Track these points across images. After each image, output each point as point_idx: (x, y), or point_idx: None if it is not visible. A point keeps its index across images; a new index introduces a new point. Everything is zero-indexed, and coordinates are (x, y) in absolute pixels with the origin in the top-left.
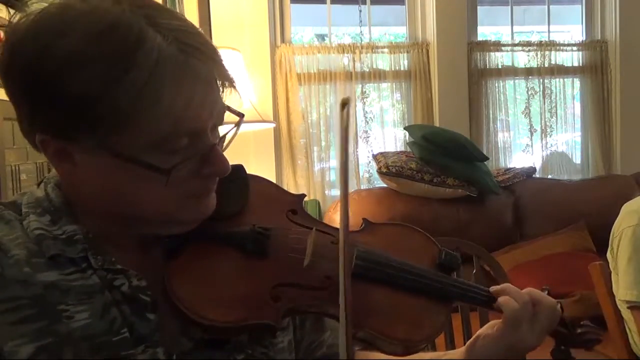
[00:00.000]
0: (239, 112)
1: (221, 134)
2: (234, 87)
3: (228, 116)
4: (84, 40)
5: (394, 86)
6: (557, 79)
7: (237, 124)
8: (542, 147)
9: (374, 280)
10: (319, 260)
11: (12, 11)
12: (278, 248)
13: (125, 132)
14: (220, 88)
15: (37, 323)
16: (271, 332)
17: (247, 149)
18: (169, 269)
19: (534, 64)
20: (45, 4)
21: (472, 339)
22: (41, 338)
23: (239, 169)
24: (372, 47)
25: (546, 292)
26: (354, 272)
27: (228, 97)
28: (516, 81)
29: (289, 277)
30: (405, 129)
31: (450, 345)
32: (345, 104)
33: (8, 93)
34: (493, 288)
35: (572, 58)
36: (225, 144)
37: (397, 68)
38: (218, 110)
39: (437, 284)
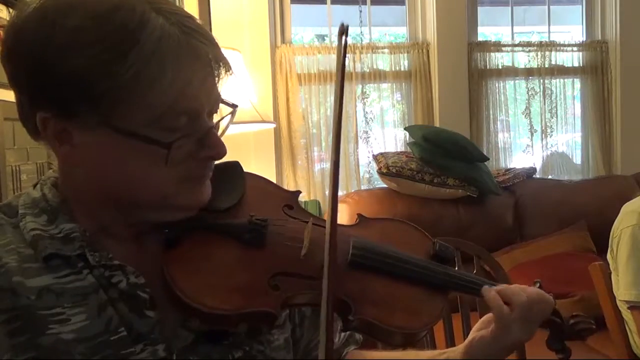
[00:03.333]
0: (232, 103)
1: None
2: (231, 70)
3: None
4: (89, 19)
5: (394, 86)
6: (558, 80)
7: (231, 114)
8: (542, 147)
9: (371, 269)
10: (316, 251)
11: (12, 11)
12: (275, 238)
13: (127, 108)
14: (217, 77)
15: (21, 336)
16: (270, 322)
17: (248, 149)
18: (168, 258)
19: (534, 64)
20: None
21: (469, 338)
22: (25, 352)
23: (235, 164)
24: (372, 48)
25: (538, 285)
26: (351, 261)
27: (222, 92)
28: (516, 81)
29: (287, 267)
30: (405, 129)
31: (451, 344)
32: (342, 32)
33: (10, 75)
34: (488, 289)
35: (572, 58)
36: (219, 133)
37: (397, 68)
38: (215, 96)
39: (433, 272)
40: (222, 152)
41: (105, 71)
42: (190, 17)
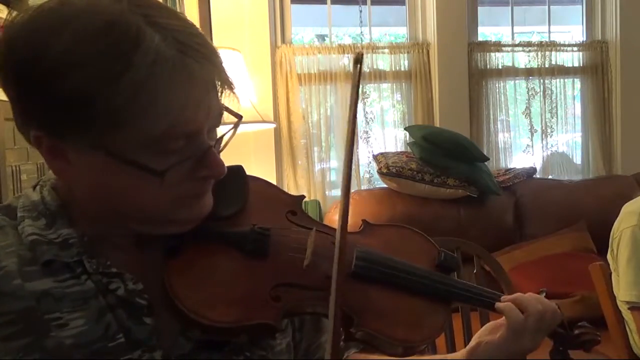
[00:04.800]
0: (237, 114)
1: (219, 134)
2: (233, 90)
3: (228, 117)
4: (81, 39)
5: (395, 87)
6: (558, 80)
7: (235, 126)
8: (542, 147)
9: (374, 280)
10: (319, 261)
11: (12, 11)
12: (278, 248)
13: (120, 132)
14: (219, 91)
15: (24, 339)
16: (271, 333)
17: (248, 149)
18: (168, 268)
19: (534, 64)
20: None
21: (473, 343)
22: (28, 354)
23: (239, 169)
24: (373, 48)
25: (544, 294)
26: (354, 272)
27: (228, 97)
28: (517, 81)
29: (289, 277)
30: (405, 129)
31: (451, 346)
32: (358, 60)
33: (4, 89)
34: (504, 298)
35: (572, 58)
36: (222, 145)
37: (397, 68)
38: (215, 112)
39: (437, 284)
40: (221, 172)
41: (97, 94)
42: (190, 31)
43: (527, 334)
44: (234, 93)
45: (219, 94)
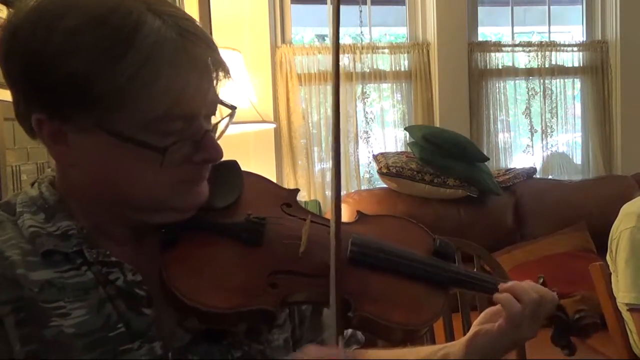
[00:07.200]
0: (231, 105)
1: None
2: (229, 75)
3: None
4: (84, 22)
5: (395, 87)
6: (558, 80)
7: (230, 116)
8: (542, 147)
9: (370, 265)
10: (314, 248)
11: (12, 11)
12: (273, 237)
13: (121, 111)
14: (215, 80)
15: (26, 328)
16: (269, 320)
17: (248, 149)
18: (166, 258)
19: (534, 64)
20: None
21: (472, 332)
22: (29, 343)
23: (233, 163)
24: (373, 48)
25: (541, 280)
26: (350, 258)
27: (222, 93)
28: (517, 82)
29: (285, 265)
30: (405, 129)
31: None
32: None
33: (6, 74)
34: (502, 287)
35: (572, 58)
36: (217, 134)
37: (397, 68)
38: (212, 98)
39: (433, 268)
40: (218, 155)
41: (100, 75)
42: (189, 19)
43: (525, 323)
44: (230, 77)
45: (215, 82)
